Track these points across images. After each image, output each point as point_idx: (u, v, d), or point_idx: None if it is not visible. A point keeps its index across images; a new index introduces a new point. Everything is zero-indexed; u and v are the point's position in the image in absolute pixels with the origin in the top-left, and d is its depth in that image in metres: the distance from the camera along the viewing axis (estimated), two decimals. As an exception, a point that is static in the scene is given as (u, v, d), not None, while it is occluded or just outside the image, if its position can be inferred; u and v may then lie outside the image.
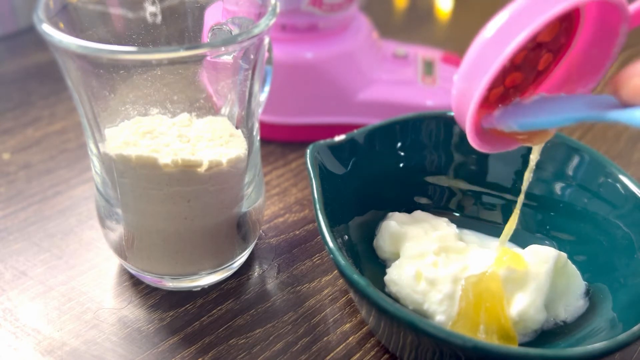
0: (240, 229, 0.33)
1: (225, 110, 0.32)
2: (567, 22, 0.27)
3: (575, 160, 0.34)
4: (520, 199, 0.31)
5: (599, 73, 0.27)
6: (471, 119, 0.25)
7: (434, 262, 0.31)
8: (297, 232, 0.38)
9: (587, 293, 0.31)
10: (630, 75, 0.24)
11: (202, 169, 0.30)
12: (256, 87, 0.31)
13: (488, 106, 0.28)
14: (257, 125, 0.33)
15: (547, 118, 0.26)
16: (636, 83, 0.23)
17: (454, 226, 0.34)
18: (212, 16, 0.33)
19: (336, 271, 0.35)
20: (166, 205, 0.30)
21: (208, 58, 0.28)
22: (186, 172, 0.29)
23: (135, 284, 0.34)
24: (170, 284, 0.33)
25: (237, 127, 0.32)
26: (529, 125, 0.26)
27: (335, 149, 0.34)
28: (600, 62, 0.27)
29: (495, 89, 0.27)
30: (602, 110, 0.24)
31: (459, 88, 0.25)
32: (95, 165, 0.31)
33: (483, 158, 0.36)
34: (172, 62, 0.26)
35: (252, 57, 0.30)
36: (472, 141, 0.27)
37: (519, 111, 0.27)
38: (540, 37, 0.26)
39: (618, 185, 0.32)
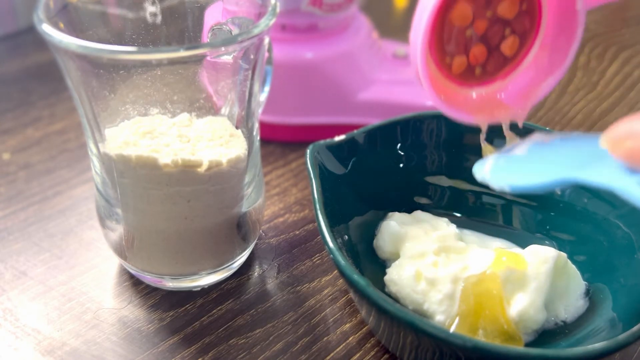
0: (240, 229, 0.33)
1: (225, 110, 0.32)
2: (527, 4, 0.27)
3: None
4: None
5: (566, 58, 0.27)
6: (421, 55, 0.26)
7: (434, 262, 0.31)
8: (297, 232, 0.38)
9: (587, 293, 0.31)
10: (623, 136, 0.22)
11: (202, 169, 0.30)
12: (256, 87, 0.31)
13: (453, 78, 0.28)
14: (257, 125, 0.33)
15: (540, 182, 0.25)
16: (629, 146, 0.22)
17: (454, 226, 0.34)
18: (212, 16, 0.33)
19: (336, 271, 0.35)
20: (166, 205, 0.30)
21: (208, 58, 0.28)
22: (186, 172, 0.29)
23: (135, 284, 0.34)
24: (170, 284, 0.33)
25: (237, 127, 0.32)
26: (522, 189, 0.26)
27: (335, 149, 0.34)
28: (566, 46, 0.27)
29: (458, 58, 0.28)
30: (598, 172, 0.23)
31: (410, 37, 0.27)
32: (95, 165, 0.31)
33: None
34: (172, 62, 0.26)
35: (252, 57, 0.30)
36: (424, 84, 0.27)
37: (511, 167, 0.27)
38: (500, 10, 0.27)
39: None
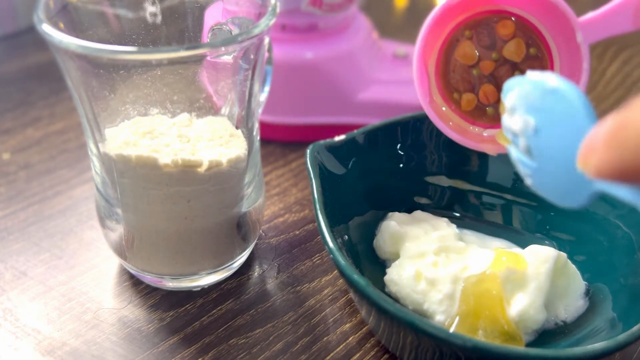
0: (240, 229, 0.33)
1: (225, 110, 0.32)
2: (536, 49, 0.28)
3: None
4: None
5: None
6: (417, 72, 0.28)
7: (434, 262, 0.31)
8: (297, 232, 0.38)
9: (587, 293, 0.31)
10: (590, 150, 0.19)
11: (202, 169, 0.30)
12: (256, 87, 0.31)
13: (463, 115, 0.29)
14: (257, 125, 0.33)
15: (581, 198, 0.23)
16: (594, 164, 0.19)
17: (454, 226, 0.34)
18: (212, 16, 0.33)
19: (336, 271, 0.35)
20: (166, 205, 0.30)
21: (208, 58, 0.28)
22: (186, 172, 0.29)
23: (135, 284, 0.34)
24: (170, 284, 0.33)
25: (237, 127, 0.32)
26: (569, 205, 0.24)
27: (335, 149, 0.34)
28: (576, 82, 0.27)
29: (466, 95, 0.28)
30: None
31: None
32: (95, 165, 0.31)
33: (483, 158, 0.36)
34: (172, 62, 0.26)
35: (252, 57, 0.30)
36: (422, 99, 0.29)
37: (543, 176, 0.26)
38: (506, 53, 0.28)
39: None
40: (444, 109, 0.29)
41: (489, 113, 0.29)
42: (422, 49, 0.28)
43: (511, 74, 0.28)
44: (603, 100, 0.53)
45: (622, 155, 0.18)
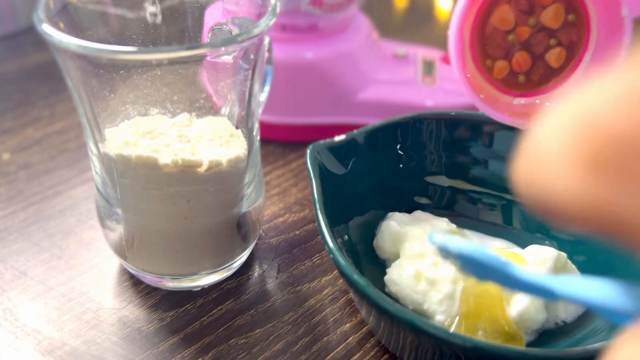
0: (240, 229, 0.33)
1: (225, 110, 0.32)
2: (575, 15, 0.27)
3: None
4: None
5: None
6: (455, 32, 0.26)
7: (434, 262, 0.31)
8: (297, 232, 0.38)
9: (587, 293, 0.31)
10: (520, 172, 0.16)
11: (202, 169, 0.30)
12: (256, 87, 0.31)
13: (494, 83, 0.28)
14: (257, 125, 0.33)
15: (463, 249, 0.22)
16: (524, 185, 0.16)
17: (454, 226, 0.34)
18: (212, 16, 0.33)
19: (336, 271, 0.35)
20: (166, 205, 0.30)
21: (208, 58, 0.28)
22: (186, 172, 0.29)
23: (135, 284, 0.34)
24: (170, 284, 0.33)
25: (237, 127, 0.32)
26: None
27: (335, 149, 0.34)
28: (614, 56, 0.27)
29: (500, 62, 0.27)
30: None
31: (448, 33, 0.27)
32: (95, 165, 0.31)
33: (483, 158, 0.36)
34: (172, 62, 0.26)
35: (252, 57, 0.30)
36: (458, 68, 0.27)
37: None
38: (544, 19, 0.27)
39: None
40: (468, 76, 0.28)
41: (520, 81, 0.28)
42: (462, 14, 0.26)
43: (547, 41, 0.27)
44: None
45: None
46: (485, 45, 0.28)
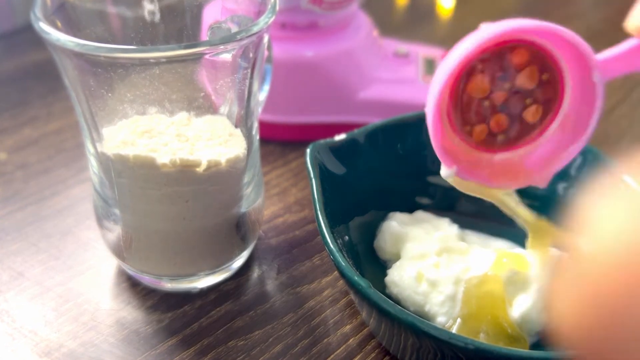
0: (240, 229, 0.33)
1: (224, 109, 0.32)
2: (549, 74, 0.28)
3: (578, 160, 0.34)
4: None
5: (587, 129, 0.27)
6: (433, 114, 0.27)
7: (435, 263, 0.30)
8: (297, 233, 0.38)
9: (590, 294, 0.31)
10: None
11: (200, 169, 0.29)
12: (255, 85, 0.31)
13: (474, 145, 0.29)
14: (256, 125, 0.33)
15: None
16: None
17: (455, 226, 0.33)
18: (211, 14, 0.33)
19: (336, 272, 0.35)
20: (164, 206, 0.30)
21: (207, 56, 0.28)
22: (184, 172, 0.29)
23: (134, 285, 0.34)
24: (169, 285, 0.33)
25: (236, 127, 0.32)
26: None
27: (335, 148, 0.33)
28: (587, 117, 0.28)
29: (479, 126, 0.28)
30: None
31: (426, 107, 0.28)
32: (93, 165, 0.31)
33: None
34: (171, 60, 0.26)
35: (251, 55, 0.29)
36: (436, 149, 0.28)
37: None
38: (519, 82, 0.28)
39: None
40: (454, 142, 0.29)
41: (499, 140, 0.29)
42: (440, 90, 0.27)
43: (523, 101, 0.28)
44: (605, 99, 0.53)
45: None
46: (463, 113, 0.29)
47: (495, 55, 0.27)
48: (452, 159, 0.28)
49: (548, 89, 0.28)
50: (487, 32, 0.26)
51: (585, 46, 0.26)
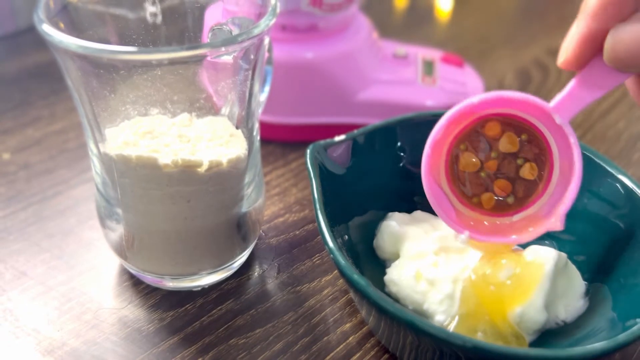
0: (241, 229, 0.33)
1: (225, 110, 0.32)
2: (527, 134, 0.30)
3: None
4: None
5: (575, 164, 0.28)
6: (426, 183, 0.30)
7: (434, 262, 0.31)
8: (297, 232, 0.38)
9: (587, 293, 0.31)
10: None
11: (202, 169, 0.30)
12: (256, 87, 0.31)
13: (488, 213, 0.31)
14: (257, 125, 0.33)
15: None
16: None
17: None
18: (212, 16, 0.33)
19: (336, 271, 0.35)
20: (166, 206, 0.30)
21: (208, 58, 0.28)
22: (186, 172, 0.29)
23: (136, 284, 0.34)
24: (171, 284, 0.33)
25: (237, 127, 0.32)
26: None
27: (335, 149, 0.34)
28: (571, 155, 0.29)
29: (484, 195, 0.31)
30: None
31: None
32: (96, 165, 0.31)
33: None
34: (173, 62, 0.26)
35: (252, 57, 0.30)
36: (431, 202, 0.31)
37: None
38: (502, 148, 0.30)
39: (618, 185, 0.32)
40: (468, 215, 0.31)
41: (510, 202, 0.31)
42: (428, 174, 0.30)
43: (515, 162, 0.30)
44: (603, 100, 0.53)
45: None
46: (465, 189, 0.31)
47: (473, 133, 0.30)
48: (466, 228, 0.30)
49: (532, 146, 0.30)
50: (442, 118, 0.29)
51: (534, 100, 0.28)
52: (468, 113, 0.30)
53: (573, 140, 0.28)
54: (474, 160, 0.30)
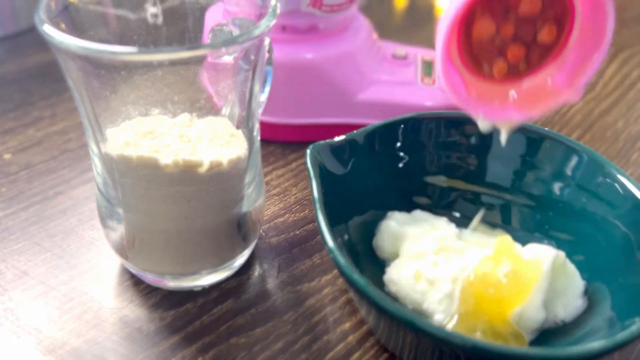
0: (241, 228, 0.33)
1: (225, 110, 0.33)
2: None
3: (574, 160, 0.34)
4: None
5: (605, 34, 0.26)
6: (442, 46, 0.27)
7: (433, 262, 0.31)
8: (297, 232, 0.38)
9: (586, 292, 0.31)
10: None
11: (202, 169, 0.30)
12: (256, 87, 0.32)
13: (498, 81, 0.29)
14: (257, 126, 0.33)
15: None
16: None
17: (453, 226, 0.34)
18: (212, 17, 0.33)
19: (336, 271, 0.35)
20: (167, 205, 0.30)
21: (209, 59, 0.28)
22: (187, 173, 0.30)
23: (136, 284, 0.34)
24: (171, 284, 0.33)
25: (237, 128, 0.32)
26: None
27: (335, 149, 0.34)
28: (602, 23, 0.27)
29: (497, 64, 0.28)
30: None
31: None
32: (97, 165, 0.31)
33: (482, 158, 0.36)
34: (173, 62, 0.27)
35: (252, 57, 0.30)
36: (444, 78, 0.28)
37: None
38: (522, 11, 0.27)
39: (616, 185, 0.32)
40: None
41: (522, 69, 0.29)
42: (445, 47, 0.27)
43: (533, 26, 0.28)
44: (602, 100, 0.53)
45: None
46: (477, 55, 0.29)
47: None
48: (479, 104, 0.28)
49: (556, 5, 0.27)
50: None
51: None
52: None
53: (609, 7, 0.26)
54: (490, 24, 0.28)
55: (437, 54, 0.27)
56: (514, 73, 0.29)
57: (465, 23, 0.28)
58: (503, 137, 0.29)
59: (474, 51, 0.29)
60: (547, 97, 0.28)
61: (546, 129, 0.35)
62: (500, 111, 0.29)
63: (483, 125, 0.29)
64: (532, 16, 0.28)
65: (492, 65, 0.29)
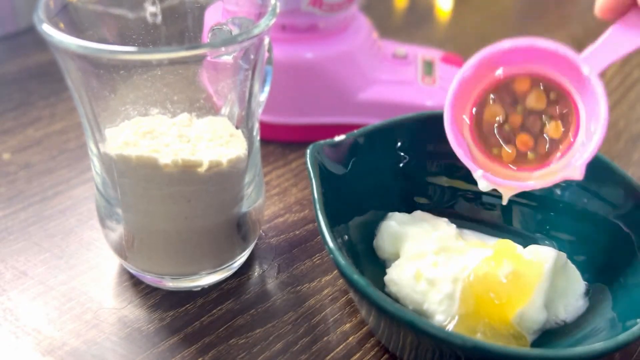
0: (241, 229, 0.33)
1: (225, 110, 0.32)
2: (555, 92, 0.30)
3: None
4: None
5: (602, 115, 0.28)
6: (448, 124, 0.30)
7: (433, 262, 0.31)
8: (297, 232, 0.38)
9: (587, 293, 0.31)
10: None
11: (202, 169, 0.30)
12: (256, 87, 0.31)
13: (508, 165, 0.31)
14: (257, 125, 0.33)
15: None
16: None
17: (453, 226, 0.34)
18: (212, 16, 0.33)
19: (336, 271, 0.35)
20: (166, 205, 0.30)
21: (208, 58, 0.28)
22: (186, 172, 0.29)
23: (136, 284, 0.34)
24: (171, 284, 0.33)
25: (237, 127, 0.32)
26: None
27: (335, 149, 0.34)
28: (598, 107, 0.28)
29: (506, 148, 0.31)
30: None
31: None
32: (96, 165, 0.31)
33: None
34: (173, 62, 0.26)
35: (252, 57, 0.30)
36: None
37: None
38: (529, 104, 0.30)
39: (618, 185, 0.32)
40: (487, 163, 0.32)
41: (529, 158, 0.31)
42: (452, 121, 0.31)
43: (540, 119, 0.30)
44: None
45: None
46: (487, 139, 0.31)
47: (503, 86, 0.30)
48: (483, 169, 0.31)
49: (560, 105, 0.29)
50: (473, 58, 0.30)
51: (565, 50, 0.28)
52: (498, 57, 0.29)
53: (600, 90, 0.27)
54: (499, 112, 0.30)
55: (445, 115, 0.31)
56: (522, 162, 0.31)
57: (479, 107, 0.31)
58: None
59: (485, 136, 0.31)
60: (549, 175, 0.30)
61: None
62: (501, 179, 0.31)
63: (482, 185, 0.30)
64: (538, 110, 0.30)
65: (500, 150, 0.31)
